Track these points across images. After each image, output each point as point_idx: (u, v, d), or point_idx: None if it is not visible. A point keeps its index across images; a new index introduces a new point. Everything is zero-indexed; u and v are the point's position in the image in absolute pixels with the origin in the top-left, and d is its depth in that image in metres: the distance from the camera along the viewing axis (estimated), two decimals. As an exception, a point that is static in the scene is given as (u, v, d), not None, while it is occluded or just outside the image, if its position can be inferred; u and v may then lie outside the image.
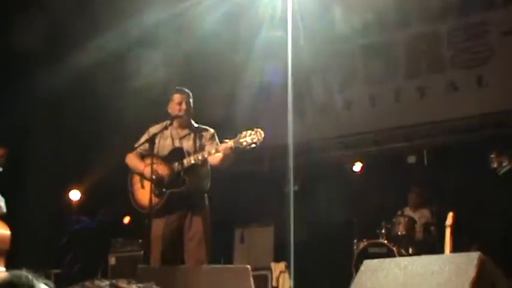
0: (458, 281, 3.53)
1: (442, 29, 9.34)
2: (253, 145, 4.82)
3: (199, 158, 5.09)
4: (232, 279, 4.07)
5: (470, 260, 3.64)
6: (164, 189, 5.19)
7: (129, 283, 1.41)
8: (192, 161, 5.12)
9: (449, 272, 3.67)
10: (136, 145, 5.43)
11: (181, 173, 5.16)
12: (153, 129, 5.51)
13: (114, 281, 1.41)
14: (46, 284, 1.74)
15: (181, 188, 5.12)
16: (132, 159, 5.47)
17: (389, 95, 9.59)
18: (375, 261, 3.96)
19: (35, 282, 1.69)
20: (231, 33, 10.24)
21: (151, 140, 5.30)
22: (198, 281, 4.09)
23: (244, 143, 4.80)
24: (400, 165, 9.15)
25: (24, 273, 1.69)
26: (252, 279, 4.05)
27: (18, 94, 10.16)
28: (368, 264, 4.01)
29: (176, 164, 5.21)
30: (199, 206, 5.22)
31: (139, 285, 1.41)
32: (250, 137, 4.77)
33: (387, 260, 3.89)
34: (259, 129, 4.83)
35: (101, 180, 10.24)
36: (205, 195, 5.41)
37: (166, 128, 5.44)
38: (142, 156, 5.46)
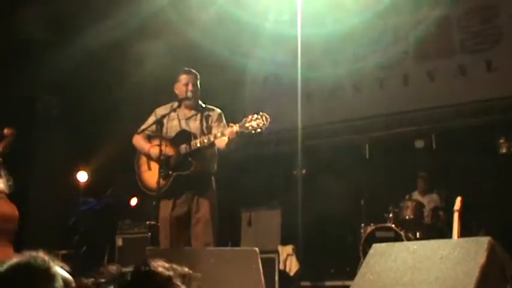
0: (468, 265, 3.51)
1: (452, 12, 9.26)
2: (259, 129, 4.77)
3: (205, 141, 5.06)
4: (241, 262, 4.06)
5: (479, 244, 3.62)
6: (170, 172, 5.16)
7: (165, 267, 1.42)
8: (198, 144, 5.08)
9: (458, 256, 3.65)
10: (143, 127, 5.40)
11: (188, 156, 5.12)
12: (160, 111, 5.48)
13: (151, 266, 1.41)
14: (61, 267, 1.74)
15: (188, 171, 5.09)
16: (139, 140, 5.44)
17: (399, 79, 9.53)
18: (384, 245, 3.94)
19: (51, 264, 1.69)
20: (238, 16, 10.19)
21: (158, 122, 5.25)
22: (206, 263, 4.09)
23: (250, 127, 4.75)
24: (408, 150, 9.11)
25: (41, 255, 1.69)
26: (260, 261, 4.05)
27: (25, 74, 10.15)
28: (377, 248, 3.99)
29: (183, 146, 5.18)
30: (206, 189, 5.19)
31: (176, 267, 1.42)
32: (256, 122, 4.72)
33: (396, 244, 3.88)
34: (265, 114, 4.78)
35: (109, 162, 10.25)
36: (212, 177, 5.37)
37: (173, 109, 5.40)
38: (150, 138, 5.42)
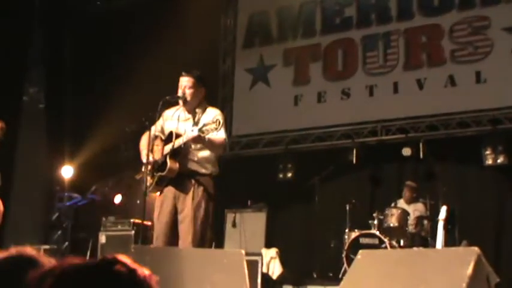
0: (455, 275, 3.51)
1: (444, 22, 9.30)
2: (215, 132, 4.93)
3: (179, 143, 5.16)
4: (226, 263, 4.04)
5: (467, 254, 3.63)
6: (155, 173, 5.26)
7: None
8: (175, 146, 5.17)
9: (445, 266, 3.65)
10: (152, 127, 5.48)
11: (166, 157, 5.20)
12: (167, 112, 5.61)
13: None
14: (49, 262, 1.71)
15: (164, 172, 5.19)
16: (142, 140, 5.54)
17: (388, 86, 9.56)
18: (371, 251, 3.94)
19: (39, 258, 1.67)
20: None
21: (163, 123, 5.54)
22: (191, 263, 4.06)
23: (205, 131, 4.92)
24: (395, 158, 9.14)
25: (28, 250, 1.67)
26: (245, 264, 4.03)
27: (14, 65, 10.09)
28: (363, 254, 3.98)
29: (167, 147, 5.28)
30: (188, 189, 5.21)
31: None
32: (210, 126, 4.86)
33: (383, 251, 3.88)
34: (219, 118, 4.94)
35: (94, 158, 10.21)
36: (201, 178, 5.37)
37: (176, 110, 5.54)
38: (155, 138, 5.52)
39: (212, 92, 10.14)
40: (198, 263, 4.06)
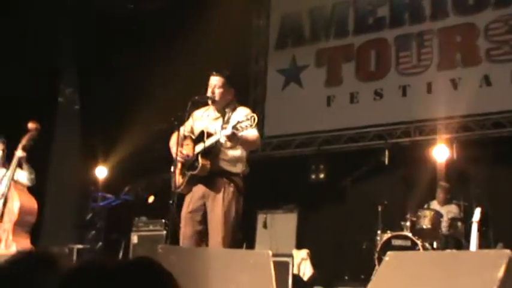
0: (485, 278, 3.43)
1: (479, 21, 9.16)
2: (250, 129, 4.87)
3: (211, 141, 5.14)
4: (252, 264, 4.02)
5: (498, 257, 3.54)
6: (186, 171, 5.25)
7: None
8: (207, 145, 5.15)
9: (476, 268, 3.58)
10: (182, 127, 5.47)
11: (198, 156, 5.18)
12: (197, 113, 5.60)
13: None
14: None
15: (195, 171, 5.17)
16: (172, 140, 5.54)
17: (422, 87, 9.46)
18: (400, 253, 3.88)
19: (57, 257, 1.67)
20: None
21: (192, 123, 5.53)
22: (216, 262, 4.06)
23: (239, 128, 4.85)
24: (429, 159, 9.02)
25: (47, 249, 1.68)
26: (272, 265, 4.00)
27: (49, 67, 10.24)
28: (392, 255, 3.93)
29: (198, 146, 5.26)
30: (219, 188, 5.20)
31: None
32: (244, 123, 4.80)
33: (412, 252, 3.81)
34: (253, 115, 4.87)
35: (128, 158, 10.30)
36: (233, 177, 5.36)
37: (206, 110, 5.54)
38: (185, 138, 5.52)
39: (244, 92, 10.22)
40: (224, 263, 4.05)
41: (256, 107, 10.49)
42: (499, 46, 9.01)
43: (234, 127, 4.90)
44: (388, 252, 3.94)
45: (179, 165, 5.33)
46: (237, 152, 5.37)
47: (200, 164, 5.14)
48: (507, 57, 8.90)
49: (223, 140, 5.08)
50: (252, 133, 5.14)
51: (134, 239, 8.45)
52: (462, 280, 3.52)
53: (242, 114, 5.25)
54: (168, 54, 10.12)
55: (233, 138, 5.01)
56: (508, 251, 3.56)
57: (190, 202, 5.28)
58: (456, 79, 9.23)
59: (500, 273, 3.39)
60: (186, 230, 5.17)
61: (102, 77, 10.81)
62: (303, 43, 10.61)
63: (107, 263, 1.33)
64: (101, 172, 10.32)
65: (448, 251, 7.06)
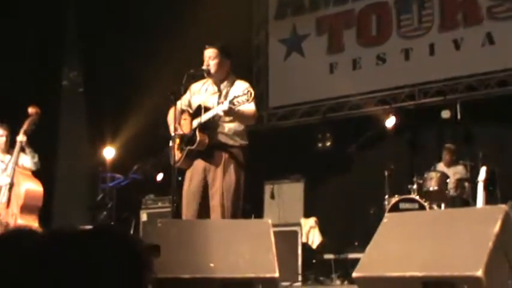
0: (482, 233, 3.44)
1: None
2: (246, 104, 4.91)
3: (209, 116, 5.14)
4: (252, 233, 4.04)
5: (494, 213, 3.54)
6: (184, 146, 5.26)
7: None
8: (204, 120, 5.16)
9: (473, 225, 3.58)
10: (178, 101, 5.46)
11: (195, 131, 5.20)
12: (194, 86, 5.58)
13: None
14: None
15: (193, 145, 5.18)
16: (170, 114, 5.52)
17: (424, 49, 9.38)
18: (398, 214, 3.90)
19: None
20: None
21: (190, 97, 5.51)
22: (216, 234, 4.08)
23: (236, 103, 4.88)
24: (434, 120, 8.98)
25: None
26: (272, 233, 4.02)
27: (52, 50, 10.26)
28: (390, 217, 3.94)
29: (196, 121, 5.26)
30: (219, 162, 5.20)
31: None
32: (241, 98, 4.82)
33: (410, 213, 3.82)
34: (250, 90, 4.94)
35: (135, 138, 10.32)
36: (233, 150, 5.35)
37: (204, 83, 5.51)
38: (182, 112, 5.52)
39: (247, 64, 10.19)
40: (224, 233, 4.07)
41: (260, 79, 10.49)
42: (500, 3, 8.89)
43: (231, 102, 4.91)
44: (386, 214, 3.96)
45: (177, 140, 5.35)
46: (235, 125, 5.37)
47: (198, 139, 5.15)
48: (509, 13, 8.78)
49: (221, 114, 5.09)
50: (248, 107, 5.13)
51: (143, 216, 8.53)
52: (459, 236, 3.53)
53: (240, 89, 5.24)
54: (171, 30, 10.08)
55: (230, 112, 5.02)
56: (503, 206, 3.56)
57: (191, 177, 5.29)
58: (458, 39, 9.14)
59: (497, 228, 3.40)
60: (188, 205, 5.19)
61: (105, 58, 10.80)
62: (303, 12, 10.54)
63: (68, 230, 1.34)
64: (109, 153, 10.36)
65: (446, 209, 7.08)
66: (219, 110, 5.06)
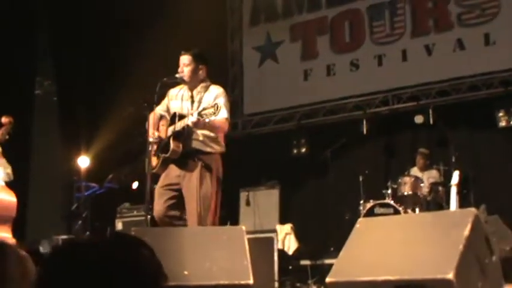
0: (452, 237, 3.48)
1: (450, -15, 9.17)
2: (213, 116, 4.91)
3: (181, 125, 5.16)
4: (226, 240, 4.05)
5: (464, 216, 3.59)
6: (159, 154, 5.28)
7: None
8: (177, 128, 5.18)
9: (444, 228, 3.63)
10: (156, 107, 5.47)
11: (170, 139, 5.25)
12: (172, 91, 5.61)
13: None
14: (15, 245, 1.73)
15: (167, 153, 5.22)
16: (149, 120, 5.52)
17: (397, 55, 9.48)
18: (370, 219, 3.93)
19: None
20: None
21: (168, 102, 5.56)
22: (191, 241, 4.08)
23: (204, 116, 4.91)
24: (407, 126, 9.08)
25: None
26: (246, 239, 4.03)
27: (25, 59, 10.18)
28: (363, 222, 3.97)
29: (171, 128, 5.29)
30: (193, 169, 5.22)
31: None
32: (208, 110, 4.86)
33: (382, 217, 3.86)
34: (217, 103, 4.98)
35: (109, 146, 10.27)
36: (207, 157, 5.35)
37: (180, 89, 5.55)
38: (161, 118, 5.53)
39: (222, 72, 10.19)
40: (198, 241, 4.07)
41: (235, 86, 10.51)
42: (469, 10, 9.02)
43: (199, 114, 4.94)
44: (359, 219, 3.99)
45: (155, 146, 5.36)
46: (211, 132, 5.38)
47: (171, 148, 5.17)
48: (478, 20, 8.92)
49: (190, 125, 5.10)
50: (219, 117, 5.14)
51: (119, 225, 8.48)
52: (430, 240, 3.58)
53: (212, 96, 5.28)
54: (142, 37, 10.06)
55: (198, 124, 5.04)
56: (473, 209, 3.61)
57: (165, 178, 5.33)
58: (430, 45, 9.25)
59: (467, 231, 3.44)
60: (158, 202, 5.24)
61: (78, 67, 10.75)
62: (277, 19, 10.58)
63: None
64: (83, 162, 10.28)
65: (417, 213, 7.14)
66: (188, 121, 5.08)
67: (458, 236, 3.42)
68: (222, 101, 5.29)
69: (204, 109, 4.94)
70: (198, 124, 5.02)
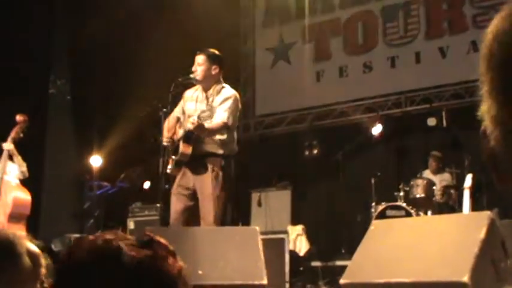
0: (467, 240, 3.47)
1: (465, -13, 9.15)
2: (209, 120, 5.05)
3: (189, 128, 5.16)
4: (240, 240, 4.06)
5: (480, 219, 3.58)
6: (173, 156, 5.30)
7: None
8: (185, 132, 5.19)
9: (459, 231, 3.62)
10: (165, 109, 5.49)
11: (180, 141, 5.26)
12: (187, 92, 5.61)
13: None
14: (30, 241, 1.73)
15: (177, 156, 5.23)
16: (165, 123, 5.52)
17: (410, 57, 9.46)
18: (384, 221, 3.92)
19: (16, 241, 1.68)
20: None
21: (183, 104, 5.54)
22: (205, 241, 4.09)
23: (202, 119, 5.03)
24: (420, 128, 9.05)
25: (4, 233, 1.69)
26: (260, 240, 4.04)
27: (39, 58, 10.23)
28: (377, 224, 3.96)
29: (181, 131, 5.30)
30: (205, 171, 5.22)
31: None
32: (205, 113, 5.03)
33: (396, 220, 3.85)
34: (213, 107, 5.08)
35: (122, 146, 10.31)
36: (218, 159, 5.36)
37: (196, 90, 5.54)
38: (178, 120, 5.55)
39: (234, 73, 10.20)
40: (212, 241, 4.09)
41: (247, 87, 10.51)
42: (485, 11, 8.98)
43: (198, 117, 4.98)
44: (373, 221, 3.99)
45: (169, 149, 5.38)
46: (222, 134, 5.37)
47: (180, 150, 5.18)
48: (493, 22, 8.88)
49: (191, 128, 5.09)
50: (216, 120, 5.14)
51: (130, 224, 8.50)
52: (446, 243, 3.56)
53: (221, 99, 5.30)
54: (158, 40, 10.09)
55: (200, 129, 5.04)
56: (488, 212, 3.60)
57: (180, 180, 5.32)
58: (444, 47, 9.23)
59: (482, 234, 3.43)
60: (175, 206, 5.22)
61: (93, 66, 10.79)
62: (290, 20, 10.58)
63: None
64: (96, 161, 10.32)
65: (432, 215, 7.12)
66: (188, 124, 5.11)
67: (474, 239, 3.41)
68: (227, 104, 5.30)
69: (202, 112, 4.97)
70: (199, 129, 5.03)
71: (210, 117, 5.05)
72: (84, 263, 1.30)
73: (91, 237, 1.36)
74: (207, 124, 5.01)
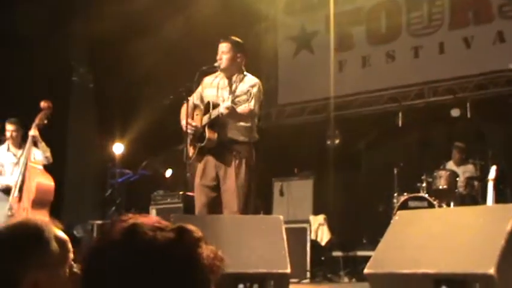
0: (493, 232, 3.45)
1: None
2: (246, 103, 4.99)
3: (216, 113, 5.15)
4: (264, 229, 4.07)
5: (506, 211, 3.55)
6: (196, 143, 5.30)
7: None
8: (212, 117, 5.17)
9: (484, 223, 3.59)
10: (190, 97, 5.47)
11: (205, 128, 5.24)
12: (206, 79, 5.59)
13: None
14: (56, 227, 1.75)
15: (203, 142, 5.22)
16: (182, 111, 5.52)
17: (434, 47, 9.38)
18: (409, 211, 3.90)
19: (44, 228, 1.69)
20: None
21: (202, 90, 5.52)
22: (229, 229, 4.11)
23: (238, 104, 4.99)
24: (443, 119, 8.98)
25: (33, 220, 1.71)
26: (283, 229, 4.05)
27: (62, 45, 10.28)
28: (402, 215, 3.95)
29: (205, 117, 5.29)
30: (230, 158, 5.22)
31: None
32: (241, 97, 4.94)
33: (422, 210, 3.84)
34: (250, 89, 5.01)
35: (144, 133, 10.35)
36: (244, 146, 5.36)
37: (216, 77, 5.53)
38: (195, 107, 5.54)
39: (256, 62, 10.19)
40: (236, 229, 4.10)
41: (269, 76, 10.49)
42: (511, 1, 8.88)
43: (233, 101, 4.95)
44: (398, 212, 3.97)
45: (190, 136, 5.37)
46: (247, 122, 5.38)
47: (207, 136, 5.18)
48: (520, 12, 8.78)
49: (224, 112, 5.10)
50: (244, 107, 5.15)
51: (153, 212, 8.53)
52: (471, 234, 3.54)
53: (246, 85, 5.28)
54: (180, 28, 10.09)
55: (231, 113, 5.05)
56: (515, 204, 3.57)
57: (203, 171, 5.31)
58: (469, 37, 9.13)
59: (509, 226, 3.40)
60: (200, 198, 5.22)
61: (115, 53, 10.82)
62: (312, 9, 10.52)
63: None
64: (118, 148, 10.38)
65: (457, 207, 7.07)
66: (221, 109, 5.09)
67: (500, 231, 3.39)
68: (253, 91, 5.29)
69: (236, 96, 4.96)
70: (230, 112, 5.03)
71: (246, 101, 5.01)
72: (118, 242, 1.32)
73: (124, 218, 1.38)
74: (239, 109, 4.99)
